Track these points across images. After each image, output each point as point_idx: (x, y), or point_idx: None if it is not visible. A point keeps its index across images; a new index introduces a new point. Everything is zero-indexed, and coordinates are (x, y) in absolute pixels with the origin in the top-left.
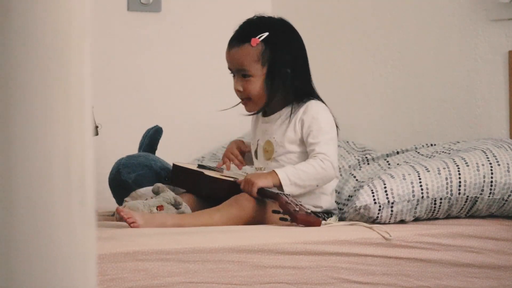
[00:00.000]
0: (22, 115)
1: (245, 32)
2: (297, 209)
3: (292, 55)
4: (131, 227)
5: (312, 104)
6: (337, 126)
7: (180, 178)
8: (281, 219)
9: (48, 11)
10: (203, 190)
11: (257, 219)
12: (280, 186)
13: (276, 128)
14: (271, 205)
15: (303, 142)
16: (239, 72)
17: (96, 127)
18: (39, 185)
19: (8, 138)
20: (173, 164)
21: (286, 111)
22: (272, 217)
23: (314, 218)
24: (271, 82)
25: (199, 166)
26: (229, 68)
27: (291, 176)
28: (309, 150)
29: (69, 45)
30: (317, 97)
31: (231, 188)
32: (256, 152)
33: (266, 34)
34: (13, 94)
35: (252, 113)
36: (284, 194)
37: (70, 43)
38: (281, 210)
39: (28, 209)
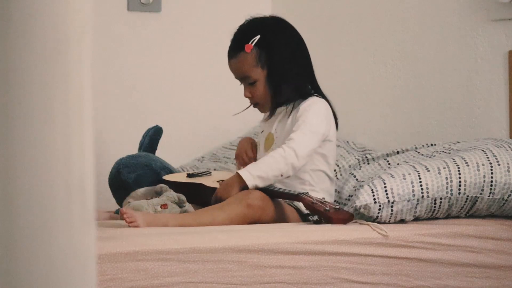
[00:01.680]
0: (22, 116)
1: (238, 40)
2: (327, 208)
3: (289, 51)
4: (130, 226)
5: (312, 99)
6: (337, 125)
7: (176, 191)
8: (315, 222)
9: (48, 11)
10: (203, 199)
11: (270, 217)
12: (245, 184)
13: (277, 122)
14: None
15: None
16: (244, 80)
17: None
18: (39, 186)
19: (8, 138)
20: (163, 179)
21: (289, 106)
22: (292, 215)
23: (346, 214)
24: (275, 82)
25: (189, 175)
26: (236, 78)
27: (252, 171)
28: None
29: (69, 45)
30: (320, 93)
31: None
32: (260, 143)
33: (258, 37)
34: (13, 95)
35: (267, 113)
36: (303, 193)
37: (70, 43)
38: (310, 212)
39: (28, 209)
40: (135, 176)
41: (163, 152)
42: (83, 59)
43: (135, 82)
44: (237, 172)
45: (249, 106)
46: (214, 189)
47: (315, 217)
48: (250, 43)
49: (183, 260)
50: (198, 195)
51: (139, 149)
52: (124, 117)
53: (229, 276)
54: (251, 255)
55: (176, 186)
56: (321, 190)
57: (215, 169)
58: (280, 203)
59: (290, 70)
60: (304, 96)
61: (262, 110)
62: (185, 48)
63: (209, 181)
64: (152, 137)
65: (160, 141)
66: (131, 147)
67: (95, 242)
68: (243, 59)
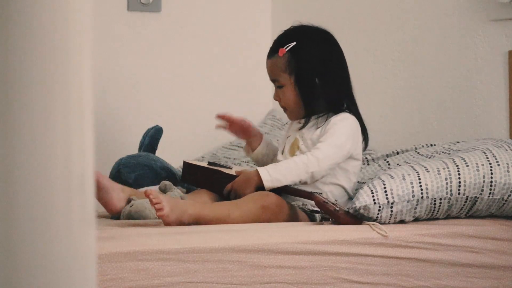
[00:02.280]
0: (22, 116)
1: (277, 43)
2: (337, 208)
3: (321, 64)
4: (157, 216)
5: (343, 114)
6: (366, 144)
7: (193, 175)
8: (323, 219)
9: (48, 11)
10: (220, 187)
11: (283, 217)
12: (261, 184)
13: (306, 130)
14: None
15: None
16: (274, 82)
17: None
18: (39, 186)
19: (8, 138)
20: (184, 162)
21: (320, 118)
22: (303, 215)
23: (355, 218)
24: (299, 91)
25: (210, 163)
26: (270, 80)
27: (272, 172)
28: None
29: (69, 45)
30: (355, 110)
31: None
32: (284, 147)
33: (293, 43)
34: (13, 95)
35: (293, 120)
36: (317, 193)
37: (70, 43)
38: (319, 210)
39: (28, 209)
40: (135, 176)
41: (163, 152)
42: (83, 59)
43: (135, 82)
44: (256, 170)
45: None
46: (232, 177)
47: (322, 212)
48: (284, 47)
49: (183, 260)
50: (215, 182)
51: (139, 149)
52: (124, 117)
53: (229, 276)
54: (251, 255)
55: (195, 169)
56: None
57: (235, 164)
58: (294, 207)
59: (321, 84)
60: (336, 111)
61: (289, 116)
62: (185, 48)
63: (229, 172)
64: (152, 137)
65: (160, 141)
66: (131, 147)
67: (95, 242)
68: (275, 61)
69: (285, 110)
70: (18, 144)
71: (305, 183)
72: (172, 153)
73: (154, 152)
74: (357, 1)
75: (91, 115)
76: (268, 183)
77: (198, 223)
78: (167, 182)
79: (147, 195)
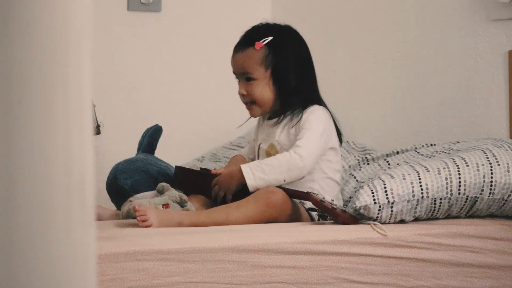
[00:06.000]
0: (22, 115)
1: (249, 37)
2: (335, 206)
3: (296, 60)
4: (141, 226)
5: (313, 107)
6: (340, 133)
7: (185, 180)
8: (321, 217)
9: (48, 11)
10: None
11: (286, 218)
12: (244, 181)
13: (279, 131)
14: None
15: None
16: (242, 76)
17: (98, 126)
18: (39, 185)
19: (8, 138)
20: (176, 167)
21: (290, 115)
22: (305, 217)
23: (351, 216)
24: (275, 86)
25: (201, 169)
26: (234, 73)
27: (254, 170)
28: None
29: (69, 45)
30: (322, 103)
31: (246, 189)
32: (258, 155)
33: (270, 38)
34: (13, 94)
35: (257, 117)
36: (313, 193)
37: (70, 43)
38: (317, 209)
39: (28, 209)
40: (132, 182)
41: (163, 152)
42: (83, 59)
43: (135, 82)
44: (240, 167)
45: (249, 118)
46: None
47: (320, 211)
48: (261, 41)
49: (183, 260)
50: (208, 187)
51: (138, 148)
52: (123, 117)
53: (229, 276)
54: (251, 255)
55: (188, 174)
56: (333, 197)
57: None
58: (296, 204)
59: (294, 79)
60: (305, 105)
61: (255, 112)
62: (185, 48)
63: None
64: (151, 136)
65: (160, 141)
66: (131, 147)
67: (95, 242)
68: (250, 55)
69: (253, 104)
70: (18, 144)
71: (290, 182)
72: (172, 153)
73: (153, 152)
74: (357, 1)
75: (91, 115)
76: (251, 181)
77: None
78: (164, 184)
79: (134, 210)
